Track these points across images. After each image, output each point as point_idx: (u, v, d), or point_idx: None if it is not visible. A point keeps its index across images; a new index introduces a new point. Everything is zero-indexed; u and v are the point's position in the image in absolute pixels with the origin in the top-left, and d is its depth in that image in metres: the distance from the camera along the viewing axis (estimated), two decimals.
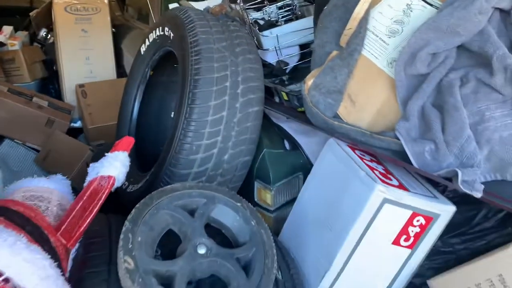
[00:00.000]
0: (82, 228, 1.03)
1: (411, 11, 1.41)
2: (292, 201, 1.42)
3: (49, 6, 3.36)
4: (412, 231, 1.13)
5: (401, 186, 1.12)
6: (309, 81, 1.37)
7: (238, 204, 1.10)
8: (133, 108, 1.76)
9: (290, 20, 2.10)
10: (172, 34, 1.46)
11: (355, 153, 1.23)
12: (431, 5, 1.40)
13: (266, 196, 1.43)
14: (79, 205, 1.07)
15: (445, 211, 1.13)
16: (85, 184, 1.16)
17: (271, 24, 2.15)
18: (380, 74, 1.36)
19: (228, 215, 1.08)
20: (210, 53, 1.33)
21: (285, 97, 1.56)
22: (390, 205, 1.07)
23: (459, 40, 1.23)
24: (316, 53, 1.46)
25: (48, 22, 3.61)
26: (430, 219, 1.12)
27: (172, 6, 2.63)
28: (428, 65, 1.27)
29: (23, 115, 2.90)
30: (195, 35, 1.35)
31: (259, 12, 2.27)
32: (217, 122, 1.31)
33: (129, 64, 3.34)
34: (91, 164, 1.20)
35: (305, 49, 1.97)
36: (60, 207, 1.14)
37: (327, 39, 1.46)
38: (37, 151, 2.88)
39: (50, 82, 3.92)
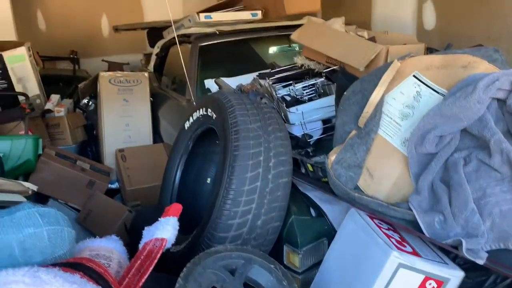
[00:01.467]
0: (140, 284, 1.22)
1: (421, 97, 1.63)
2: (317, 264, 1.58)
3: (96, 78, 3.74)
4: None
5: (414, 253, 1.28)
6: (332, 156, 1.58)
7: (272, 265, 1.28)
8: (176, 175, 1.99)
9: (314, 97, 2.35)
10: (214, 115, 1.71)
11: (373, 222, 1.41)
12: (437, 92, 1.62)
13: (295, 259, 1.60)
14: (137, 263, 1.27)
15: (454, 276, 1.27)
16: (140, 246, 1.36)
17: (296, 101, 2.40)
18: (395, 152, 1.56)
19: (263, 275, 1.26)
20: (247, 132, 1.57)
21: (311, 169, 1.76)
22: (404, 269, 1.23)
23: (461, 125, 1.43)
24: (338, 132, 1.68)
25: (93, 91, 3.99)
26: (441, 283, 1.27)
27: (206, 81, 2.94)
28: (436, 145, 1.47)
29: (68, 177, 3.15)
30: (234, 117, 1.60)
31: (285, 89, 2.54)
32: (252, 191, 1.51)
33: (165, 130, 3.65)
34: (146, 228, 1.41)
35: (327, 124, 2.20)
36: (119, 264, 1.34)
37: (347, 119, 1.68)
38: (77, 210, 3.10)
39: (88, 145, 4.24)
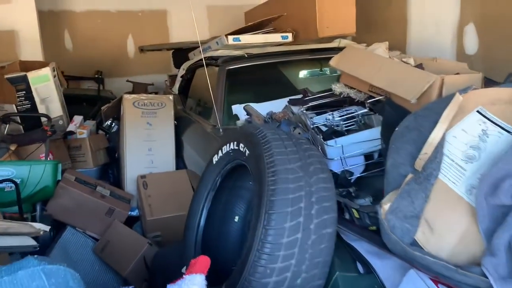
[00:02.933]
0: None
1: (487, 137, 1.41)
2: None
3: (119, 101, 3.62)
4: None
5: None
6: (386, 205, 1.36)
7: None
8: (201, 214, 1.80)
9: (354, 129, 2.14)
10: (247, 151, 1.52)
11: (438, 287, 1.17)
12: (508, 132, 1.39)
13: None
14: None
15: None
16: None
17: (334, 132, 2.20)
18: (460, 201, 1.33)
19: None
20: (286, 174, 1.36)
21: (357, 215, 1.54)
22: None
23: None
24: (390, 174, 1.46)
25: (116, 113, 3.87)
26: None
27: (234, 107, 2.77)
28: None
29: (87, 204, 3.01)
30: (271, 156, 1.40)
31: (321, 118, 2.33)
32: (291, 244, 1.30)
33: (188, 155, 3.48)
34: (168, 286, 1.21)
35: (369, 159, 1.98)
36: None
37: (401, 160, 1.46)
38: (95, 239, 2.95)
39: (110, 168, 4.12)
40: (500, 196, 1.24)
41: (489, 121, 1.43)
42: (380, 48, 2.06)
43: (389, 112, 1.78)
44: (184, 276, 1.21)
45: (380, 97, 1.93)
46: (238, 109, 2.71)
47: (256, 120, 2.35)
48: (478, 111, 1.46)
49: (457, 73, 1.88)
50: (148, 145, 3.51)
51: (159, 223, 2.97)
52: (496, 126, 1.41)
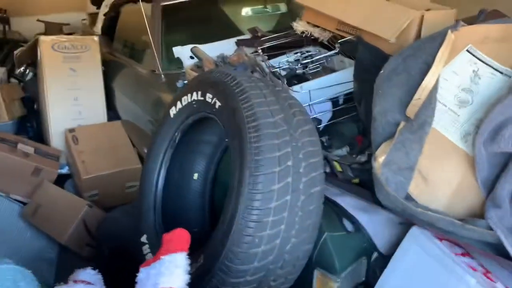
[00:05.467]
0: None
1: (479, 78, 1.31)
2: None
3: (35, 44, 3.11)
4: None
5: None
6: (380, 158, 1.23)
7: None
8: (159, 174, 1.57)
9: (318, 72, 1.97)
10: (218, 103, 1.29)
11: (443, 245, 1.09)
12: (501, 72, 1.30)
13: (329, 286, 1.26)
14: None
15: None
16: None
17: (294, 76, 2.01)
18: (454, 149, 1.24)
19: None
20: (270, 128, 1.17)
21: (339, 168, 1.41)
22: None
23: None
24: (377, 122, 1.33)
25: (32, 58, 3.35)
26: None
27: (176, 49, 2.45)
28: None
29: (7, 164, 2.65)
30: (251, 108, 1.19)
31: (275, 59, 2.13)
32: (281, 208, 1.14)
33: (122, 104, 3.13)
34: (142, 269, 1.00)
35: (338, 107, 1.84)
36: None
37: (388, 107, 1.33)
38: (22, 203, 2.61)
39: (28, 121, 3.66)
40: (500, 143, 1.16)
41: (480, 61, 1.33)
42: None
43: (362, 53, 1.62)
44: (161, 257, 1.00)
45: (350, 37, 1.76)
46: (181, 51, 2.40)
47: (207, 64, 2.09)
48: (467, 50, 1.35)
49: (428, 9, 1.75)
50: (74, 94, 3.09)
51: (95, 181, 2.68)
52: (488, 67, 1.31)
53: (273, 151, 1.15)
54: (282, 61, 2.07)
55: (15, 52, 3.32)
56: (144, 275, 0.99)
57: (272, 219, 1.13)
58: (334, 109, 1.82)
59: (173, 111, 1.50)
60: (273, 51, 2.17)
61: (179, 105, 1.48)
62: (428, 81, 1.26)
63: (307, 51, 2.05)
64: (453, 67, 1.33)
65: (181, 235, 1.06)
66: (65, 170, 3.02)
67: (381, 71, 1.39)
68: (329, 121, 1.81)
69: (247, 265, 1.13)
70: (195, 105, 1.41)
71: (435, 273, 1.05)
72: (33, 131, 3.63)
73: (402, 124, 1.28)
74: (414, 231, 1.15)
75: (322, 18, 1.85)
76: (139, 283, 0.98)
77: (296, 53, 2.06)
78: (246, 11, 3.27)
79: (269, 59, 2.08)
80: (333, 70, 1.99)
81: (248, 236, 1.11)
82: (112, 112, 3.22)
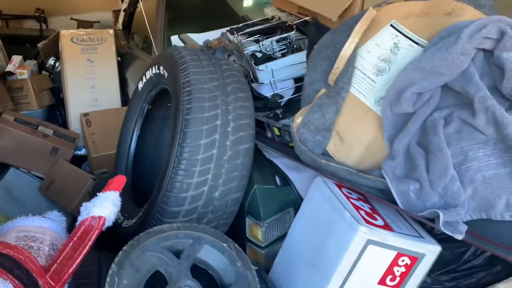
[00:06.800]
0: (71, 270, 1.06)
1: (398, 50, 1.44)
2: (283, 237, 1.43)
3: (57, 37, 3.46)
4: (398, 271, 1.13)
5: (386, 226, 1.13)
6: (298, 119, 1.40)
7: (225, 244, 1.12)
8: (131, 141, 1.80)
9: (286, 53, 2.14)
10: (166, 73, 1.51)
11: (341, 191, 1.25)
12: (417, 44, 1.43)
13: (257, 232, 1.45)
14: (70, 245, 1.10)
15: (430, 251, 1.14)
16: (77, 224, 1.19)
17: (268, 58, 2.19)
18: (368, 112, 1.38)
19: (214, 256, 1.10)
20: (201, 93, 1.37)
21: (277, 133, 1.59)
22: (374, 246, 1.08)
23: (442, 80, 1.25)
24: (306, 91, 1.50)
25: (56, 51, 3.71)
26: (415, 259, 1.13)
27: (173, 38, 2.69)
28: (413, 104, 1.30)
29: (29, 144, 2.96)
30: (187, 75, 1.39)
31: (256, 45, 2.32)
32: (207, 160, 1.34)
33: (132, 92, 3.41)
34: (83, 204, 1.23)
35: (300, 83, 2.00)
36: (52, 247, 1.17)
37: (316, 77, 1.49)
38: (42, 179, 2.93)
39: (57, 109, 4.00)
40: (403, 104, 1.30)
41: (401, 34, 1.46)
42: None
43: (313, 33, 1.78)
44: (98, 194, 1.23)
45: (308, 18, 1.92)
46: (176, 40, 2.64)
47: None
48: (391, 25, 1.48)
49: None
50: (91, 82, 3.40)
51: (104, 159, 2.96)
52: (407, 39, 1.44)
53: (202, 112, 1.35)
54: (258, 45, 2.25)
55: (38, 44, 3.68)
56: (83, 208, 1.22)
57: (199, 169, 1.33)
58: (295, 85, 1.99)
59: (140, 85, 1.73)
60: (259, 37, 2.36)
61: (144, 79, 1.71)
62: (345, 52, 1.41)
63: (278, 35, 2.22)
64: (376, 40, 1.47)
65: (118, 180, 1.28)
66: (82, 152, 3.33)
67: (315, 46, 1.55)
68: (291, 95, 1.98)
69: (179, 207, 1.34)
70: (154, 78, 1.64)
71: (327, 214, 1.20)
72: (62, 119, 3.97)
73: (322, 90, 1.44)
74: (317, 180, 1.31)
75: (286, 3, 2.02)
76: (80, 214, 1.21)
77: (269, 38, 2.24)
78: (248, 2, 3.47)
79: (256, 42, 2.27)
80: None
81: (178, 182, 1.32)
82: (127, 99, 3.51)
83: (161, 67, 1.56)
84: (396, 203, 1.18)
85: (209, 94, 1.38)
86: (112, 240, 1.48)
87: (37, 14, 5.34)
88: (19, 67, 3.76)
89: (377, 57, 1.45)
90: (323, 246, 1.17)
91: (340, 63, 1.42)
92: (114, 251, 1.39)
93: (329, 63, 1.47)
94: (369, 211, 1.19)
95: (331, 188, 1.25)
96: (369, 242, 1.08)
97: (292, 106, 1.95)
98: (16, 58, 3.81)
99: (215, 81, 1.43)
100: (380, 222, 1.14)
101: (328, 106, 1.39)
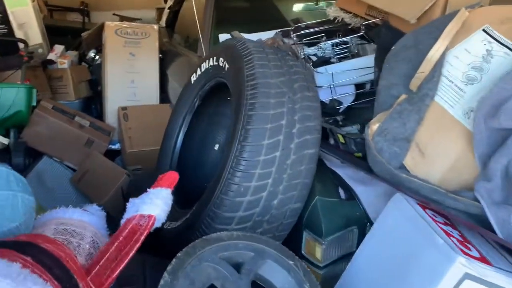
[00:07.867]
0: (115, 273, 0.92)
1: (492, 57, 1.27)
2: (343, 258, 1.27)
3: (101, 28, 3.41)
4: None
5: (483, 259, 0.95)
6: (374, 125, 1.24)
7: (291, 262, 0.97)
8: (177, 138, 1.68)
9: (345, 58, 1.99)
10: (227, 65, 1.37)
11: (426, 212, 1.08)
12: None
13: (316, 249, 1.28)
14: (114, 245, 0.97)
15: None
16: (122, 222, 1.06)
17: (324, 61, 2.05)
18: (455, 125, 1.21)
19: (278, 274, 0.95)
20: (267, 88, 1.23)
21: (342, 140, 1.43)
22: (470, 281, 0.91)
23: None
24: (382, 95, 1.33)
25: (98, 43, 3.66)
26: None
27: (222, 36, 2.58)
28: None
29: (64, 133, 2.89)
30: (252, 68, 1.26)
31: (312, 48, 2.18)
32: (269, 163, 1.19)
33: (173, 90, 3.31)
34: (130, 200, 1.10)
35: (361, 89, 1.85)
36: (93, 244, 1.04)
37: (394, 80, 1.33)
38: (74, 170, 2.85)
39: (93, 102, 3.96)
40: (500, 118, 1.12)
41: (495, 41, 1.29)
42: None
43: (385, 35, 1.63)
44: (148, 190, 1.09)
45: (376, 20, 1.77)
46: (225, 38, 2.52)
47: None
48: (484, 30, 1.31)
49: None
50: (131, 76, 3.33)
51: (139, 155, 2.86)
52: (503, 47, 1.27)
53: (267, 109, 1.20)
54: (315, 48, 2.12)
55: (83, 34, 3.64)
56: (131, 204, 1.08)
57: (259, 172, 1.18)
58: (356, 92, 1.83)
59: (193, 78, 1.61)
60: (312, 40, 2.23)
61: (198, 72, 1.58)
62: (432, 55, 1.25)
63: (339, 39, 2.08)
64: (466, 45, 1.31)
65: (170, 176, 1.15)
66: (116, 146, 3.24)
67: (393, 47, 1.40)
68: (350, 103, 1.82)
69: (233, 213, 1.19)
70: (211, 71, 1.51)
71: (412, 238, 1.03)
72: (96, 112, 3.92)
73: (402, 96, 1.28)
74: (397, 197, 1.14)
75: (353, 3, 1.87)
76: (126, 211, 1.08)
77: (329, 41, 2.10)
78: (298, 6, 3.35)
79: (309, 46, 2.14)
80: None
81: (235, 184, 1.17)
82: (165, 96, 3.42)
83: (221, 59, 1.43)
84: (492, 231, 1.01)
85: (276, 90, 1.24)
86: (153, 242, 1.34)
87: (81, 7, 5.35)
88: (60, 57, 3.72)
89: (467, 64, 1.28)
90: (403, 274, 1.00)
91: (426, 67, 1.26)
92: (153, 254, 1.25)
93: (410, 66, 1.31)
94: (461, 239, 1.01)
95: (414, 207, 1.08)
96: (466, 276, 0.90)
97: (352, 114, 1.80)
98: (58, 48, 3.77)
99: (281, 76, 1.28)
100: (475, 253, 0.97)
101: (410, 114, 1.23)
